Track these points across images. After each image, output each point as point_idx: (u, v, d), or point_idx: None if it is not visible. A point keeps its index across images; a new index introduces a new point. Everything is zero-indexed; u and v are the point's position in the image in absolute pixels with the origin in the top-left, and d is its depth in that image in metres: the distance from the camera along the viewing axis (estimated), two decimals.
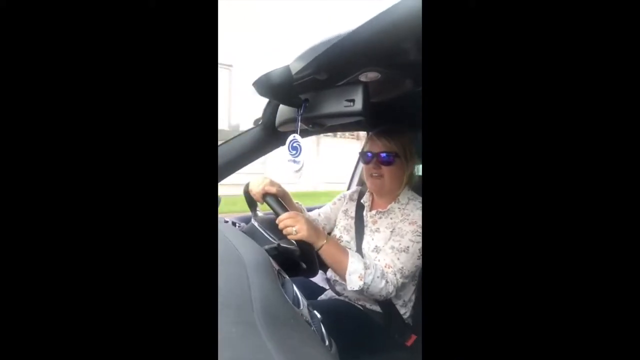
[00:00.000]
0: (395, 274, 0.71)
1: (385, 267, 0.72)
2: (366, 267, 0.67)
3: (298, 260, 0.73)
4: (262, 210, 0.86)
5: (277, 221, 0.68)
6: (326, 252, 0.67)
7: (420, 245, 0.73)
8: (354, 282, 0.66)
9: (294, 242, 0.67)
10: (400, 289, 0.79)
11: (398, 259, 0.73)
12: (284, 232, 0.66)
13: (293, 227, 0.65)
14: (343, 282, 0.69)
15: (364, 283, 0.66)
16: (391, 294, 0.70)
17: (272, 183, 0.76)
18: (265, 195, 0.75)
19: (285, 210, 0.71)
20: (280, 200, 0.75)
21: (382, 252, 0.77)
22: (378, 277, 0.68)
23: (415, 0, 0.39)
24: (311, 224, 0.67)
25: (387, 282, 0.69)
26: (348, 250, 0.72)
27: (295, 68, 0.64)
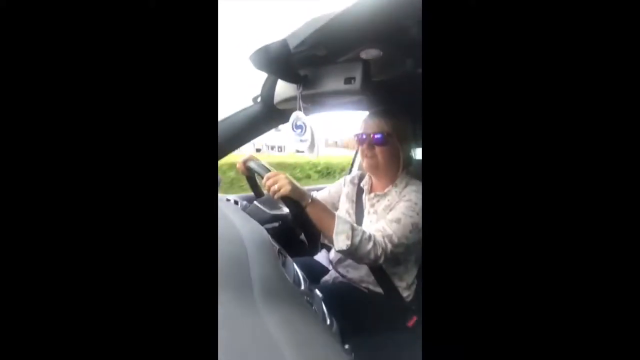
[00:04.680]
0: (383, 238, 0.70)
1: (375, 230, 0.71)
2: (353, 229, 0.67)
3: (300, 239, 0.73)
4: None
5: (263, 182, 0.69)
6: (312, 210, 0.67)
7: (413, 220, 0.72)
8: (341, 242, 0.65)
9: (289, 209, 0.67)
10: (403, 270, 0.79)
11: (389, 227, 0.72)
12: (270, 192, 0.67)
13: (275, 184, 0.66)
14: (330, 244, 0.68)
15: (351, 243, 0.65)
16: (380, 258, 0.68)
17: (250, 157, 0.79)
18: (246, 162, 0.77)
19: (269, 170, 0.71)
20: (263, 164, 0.75)
21: (376, 224, 0.77)
22: (366, 238, 0.67)
23: None
24: (294, 183, 0.68)
25: (374, 244, 0.68)
26: (335, 212, 0.71)
27: (293, 42, 0.61)
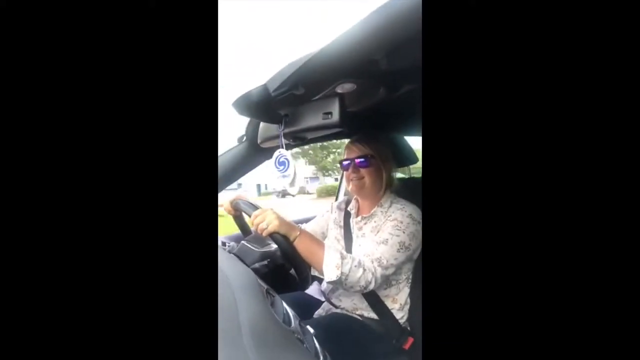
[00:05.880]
0: (372, 262, 0.70)
1: (364, 256, 0.72)
2: (343, 257, 0.67)
3: (291, 274, 0.73)
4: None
5: (250, 220, 0.70)
6: (301, 243, 0.68)
7: (400, 239, 0.74)
8: (331, 272, 0.65)
9: (277, 245, 0.67)
10: (395, 291, 0.80)
11: (377, 249, 0.73)
12: (258, 230, 0.68)
13: (263, 221, 0.67)
14: (321, 275, 0.68)
15: (342, 273, 0.65)
16: (371, 283, 0.68)
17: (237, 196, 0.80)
18: (233, 202, 0.79)
19: (256, 208, 0.72)
20: (250, 202, 0.76)
21: (364, 247, 0.77)
22: (355, 265, 0.67)
23: (385, 13, 0.41)
24: (281, 217, 0.68)
25: (364, 270, 0.68)
26: (324, 242, 0.71)
27: (272, 85, 0.65)
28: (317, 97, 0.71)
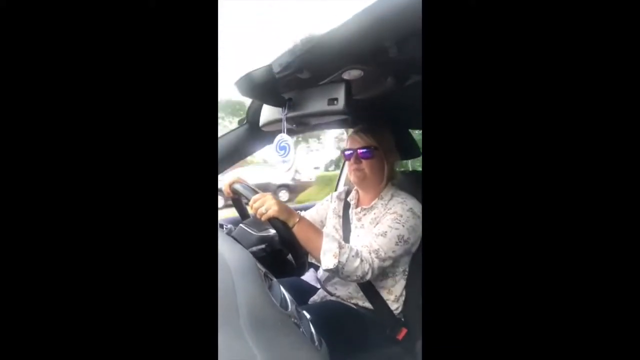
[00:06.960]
0: (370, 253, 0.71)
1: (362, 246, 0.72)
2: (340, 247, 0.67)
3: (288, 259, 0.73)
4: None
5: (249, 205, 0.69)
6: (299, 230, 0.68)
7: (399, 232, 0.74)
8: (328, 260, 0.65)
9: (276, 230, 0.67)
10: (391, 283, 0.81)
11: (375, 241, 0.74)
12: (257, 214, 0.67)
13: (263, 206, 0.66)
14: (318, 263, 0.68)
15: (339, 262, 0.65)
16: (367, 274, 0.68)
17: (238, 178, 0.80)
18: (232, 185, 0.79)
19: (255, 193, 0.71)
20: (249, 186, 0.76)
21: (363, 238, 0.77)
22: (353, 255, 0.67)
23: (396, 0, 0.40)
24: (281, 202, 0.68)
25: (362, 260, 0.68)
26: (322, 230, 0.71)
27: (277, 67, 0.63)
28: (323, 82, 0.70)
